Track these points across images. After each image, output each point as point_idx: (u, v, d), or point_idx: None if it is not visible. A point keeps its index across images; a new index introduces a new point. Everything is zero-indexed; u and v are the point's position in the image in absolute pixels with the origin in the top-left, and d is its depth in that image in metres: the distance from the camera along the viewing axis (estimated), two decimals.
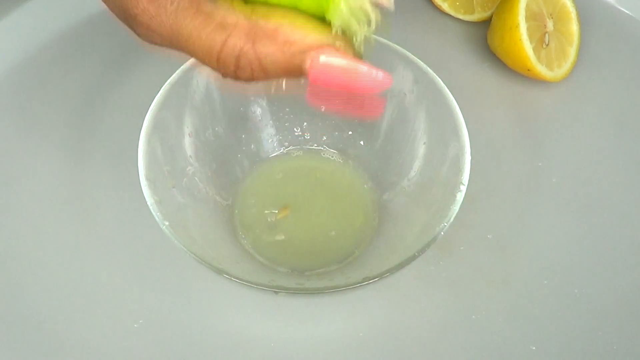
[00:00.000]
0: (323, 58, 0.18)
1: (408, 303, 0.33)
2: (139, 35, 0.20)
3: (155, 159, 0.30)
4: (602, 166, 0.39)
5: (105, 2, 0.20)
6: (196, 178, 0.34)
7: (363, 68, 0.19)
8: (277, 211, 0.36)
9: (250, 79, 0.20)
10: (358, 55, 0.20)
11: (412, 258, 0.28)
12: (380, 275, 0.27)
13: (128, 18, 0.20)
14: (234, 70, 0.19)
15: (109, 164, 0.38)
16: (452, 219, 0.29)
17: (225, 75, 0.20)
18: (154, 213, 0.28)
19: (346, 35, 0.19)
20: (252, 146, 0.37)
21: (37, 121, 0.40)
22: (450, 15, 0.47)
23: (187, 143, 0.34)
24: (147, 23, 0.19)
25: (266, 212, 0.36)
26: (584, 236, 0.36)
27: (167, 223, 0.28)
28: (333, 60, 0.19)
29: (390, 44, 0.34)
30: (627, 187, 0.38)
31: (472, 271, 0.34)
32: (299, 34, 0.19)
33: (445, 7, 0.46)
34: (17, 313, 0.33)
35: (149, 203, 0.29)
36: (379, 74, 0.19)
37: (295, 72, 0.19)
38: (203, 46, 0.19)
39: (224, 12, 0.19)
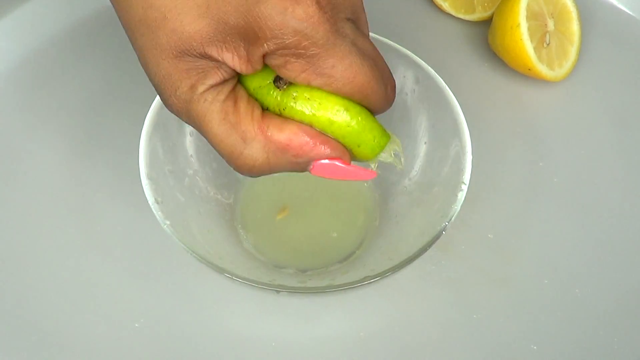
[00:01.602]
0: (321, 164, 0.23)
1: (409, 303, 0.33)
2: (167, 106, 0.23)
3: (156, 159, 0.30)
4: (602, 166, 0.39)
5: (144, 68, 0.22)
6: (197, 177, 0.34)
7: (351, 170, 0.24)
8: (278, 210, 0.36)
9: (259, 175, 0.24)
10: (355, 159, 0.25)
11: (413, 258, 0.28)
12: (381, 275, 0.27)
13: (164, 92, 0.22)
14: (247, 171, 0.23)
15: (109, 163, 0.38)
16: (453, 219, 0.29)
17: (238, 172, 0.23)
18: (155, 212, 0.28)
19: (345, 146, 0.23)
20: None
21: (37, 121, 0.40)
22: (450, 15, 0.47)
23: (188, 142, 0.34)
24: (180, 104, 0.22)
25: (267, 211, 0.36)
26: (585, 236, 0.36)
27: (168, 222, 0.28)
28: (329, 167, 0.23)
29: (392, 43, 0.34)
30: (627, 187, 0.38)
31: (472, 271, 0.34)
32: (306, 148, 0.22)
33: (445, 6, 0.46)
34: (17, 313, 0.33)
35: (150, 202, 0.29)
36: (364, 173, 0.25)
37: (300, 171, 0.24)
38: (226, 149, 0.22)
39: (245, 125, 0.22)
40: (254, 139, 0.22)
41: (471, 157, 0.30)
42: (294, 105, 0.22)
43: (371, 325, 0.33)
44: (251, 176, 0.24)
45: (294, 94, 0.22)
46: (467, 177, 0.30)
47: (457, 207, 0.29)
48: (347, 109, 0.22)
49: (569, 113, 0.42)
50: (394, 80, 0.24)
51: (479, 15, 0.46)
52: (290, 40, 0.20)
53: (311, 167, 0.23)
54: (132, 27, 0.21)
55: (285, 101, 0.22)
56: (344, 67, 0.21)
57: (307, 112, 0.22)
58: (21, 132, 0.39)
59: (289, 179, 0.37)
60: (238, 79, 0.23)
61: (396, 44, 0.34)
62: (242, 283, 0.27)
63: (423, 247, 0.28)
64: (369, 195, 0.36)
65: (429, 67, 0.33)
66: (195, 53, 0.20)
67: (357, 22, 0.23)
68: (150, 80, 0.22)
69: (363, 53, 0.22)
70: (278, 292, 0.28)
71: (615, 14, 0.48)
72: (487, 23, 0.46)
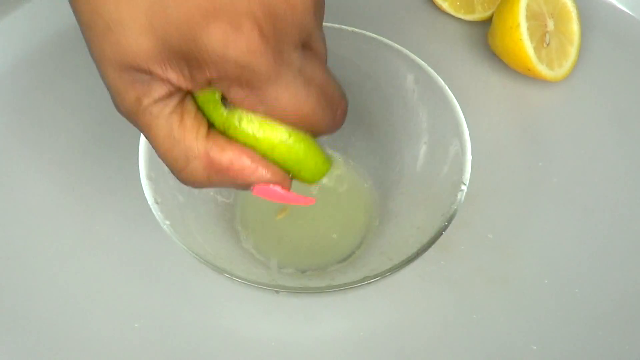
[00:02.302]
0: (261, 187, 0.23)
1: (409, 303, 0.33)
2: (119, 111, 0.23)
3: (156, 158, 0.30)
4: (602, 166, 0.39)
5: (98, 69, 0.22)
6: None
7: (290, 196, 0.24)
8: (278, 210, 0.36)
9: (203, 188, 0.24)
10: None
11: (413, 258, 0.28)
12: (381, 275, 0.27)
13: (114, 98, 0.22)
14: (190, 185, 0.23)
15: (109, 163, 0.38)
16: (453, 219, 0.29)
17: (181, 182, 0.24)
18: (154, 212, 0.28)
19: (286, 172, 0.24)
20: None
21: (36, 121, 0.40)
22: (450, 15, 0.47)
23: None
24: (127, 113, 0.22)
25: (267, 211, 0.36)
26: (585, 236, 0.36)
27: (168, 222, 0.28)
28: (269, 191, 0.24)
29: (391, 43, 0.34)
30: (627, 187, 0.38)
31: (472, 271, 0.34)
32: (246, 172, 0.23)
33: (445, 6, 0.46)
34: (17, 313, 0.33)
35: (149, 202, 0.29)
36: (303, 200, 0.25)
37: (242, 189, 0.24)
38: (169, 161, 0.23)
39: (189, 143, 0.22)
40: (196, 158, 0.22)
41: (471, 157, 0.30)
42: (237, 126, 0.22)
43: (371, 325, 0.33)
44: (195, 188, 0.24)
45: (240, 115, 0.22)
46: (467, 177, 0.30)
47: (457, 207, 0.29)
48: (290, 135, 0.22)
49: (569, 113, 0.42)
50: (346, 104, 0.24)
51: (478, 15, 0.46)
52: (232, 72, 0.20)
53: (251, 189, 0.23)
54: (82, 30, 0.21)
55: (230, 121, 0.22)
56: (288, 98, 0.21)
57: (250, 134, 0.22)
58: (21, 132, 0.39)
59: None
60: (187, 91, 0.22)
61: (396, 44, 0.34)
62: (241, 283, 0.27)
63: (423, 247, 0.28)
64: (369, 195, 0.36)
65: (429, 67, 0.33)
66: (139, 69, 0.20)
67: (309, 42, 0.22)
68: (103, 82, 0.22)
69: (309, 82, 0.21)
70: (278, 292, 0.28)
71: (615, 14, 0.48)
72: (486, 23, 0.46)
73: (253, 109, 0.21)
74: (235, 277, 0.27)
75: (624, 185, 0.38)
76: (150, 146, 0.30)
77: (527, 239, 0.36)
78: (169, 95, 0.21)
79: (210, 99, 0.22)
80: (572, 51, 0.43)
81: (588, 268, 0.35)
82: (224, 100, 0.22)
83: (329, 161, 0.25)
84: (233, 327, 0.32)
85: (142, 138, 0.30)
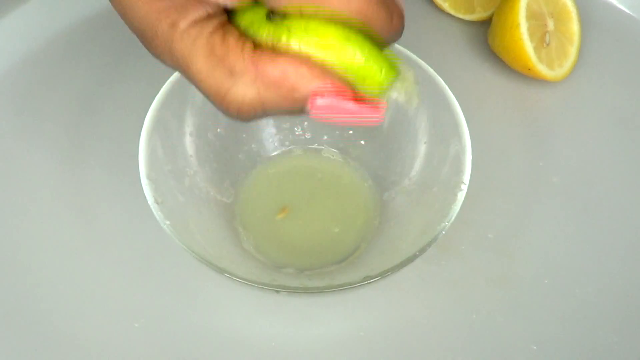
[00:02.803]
0: (321, 101, 0.20)
1: (409, 302, 0.33)
2: (152, 53, 0.21)
3: (156, 159, 0.30)
4: (603, 166, 0.39)
5: (123, 17, 0.21)
6: (197, 177, 0.33)
7: (356, 108, 0.21)
8: (278, 210, 0.36)
9: (252, 119, 0.21)
10: (364, 97, 0.21)
11: (413, 257, 0.28)
12: (381, 275, 0.27)
13: (145, 37, 0.21)
14: (236, 113, 0.21)
15: (109, 163, 0.38)
16: (453, 219, 0.29)
17: (227, 115, 0.21)
18: (155, 212, 0.28)
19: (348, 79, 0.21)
20: (253, 145, 0.37)
21: (36, 121, 0.40)
22: (450, 15, 0.47)
23: (188, 142, 0.34)
24: (162, 46, 0.20)
25: (267, 211, 0.36)
26: (585, 236, 0.36)
27: (168, 222, 0.28)
28: (330, 103, 0.20)
29: None
30: (627, 187, 0.38)
31: (472, 271, 0.34)
32: (303, 81, 0.20)
33: (445, 6, 0.46)
34: (17, 313, 0.33)
35: (149, 202, 0.29)
36: (370, 113, 0.21)
37: (297, 112, 0.21)
38: (211, 86, 0.20)
39: (234, 58, 0.20)
40: (244, 73, 0.20)
41: (471, 157, 0.30)
42: (288, 37, 0.20)
43: (371, 325, 0.33)
44: (241, 119, 0.21)
45: (289, 25, 0.20)
46: (467, 177, 0.30)
47: (457, 207, 0.29)
48: (348, 39, 0.20)
49: (569, 113, 0.42)
50: (402, 8, 0.21)
51: (478, 15, 0.46)
52: None
53: (310, 105, 0.21)
54: None
55: (280, 33, 0.20)
56: None
57: (303, 44, 0.20)
58: (21, 132, 0.39)
59: (289, 179, 0.37)
60: (227, 17, 0.21)
61: (396, 44, 0.34)
62: (242, 283, 0.27)
63: (423, 247, 0.28)
64: (369, 195, 0.36)
65: (429, 67, 0.33)
66: None
67: None
68: (130, 28, 0.21)
69: None
70: (278, 292, 0.28)
71: (615, 14, 0.48)
72: (486, 23, 0.46)
73: (302, 10, 0.20)
74: (236, 276, 0.27)
75: (624, 185, 0.38)
76: (151, 146, 0.30)
77: (527, 239, 0.36)
78: (208, 17, 0.20)
79: (254, 19, 0.21)
80: (572, 51, 0.43)
81: (588, 268, 0.35)
82: (270, 16, 0.20)
83: (396, 67, 0.22)
84: (233, 327, 0.32)
85: (143, 138, 0.30)
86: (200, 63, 0.20)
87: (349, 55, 0.20)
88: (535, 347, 0.32)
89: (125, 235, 0.35)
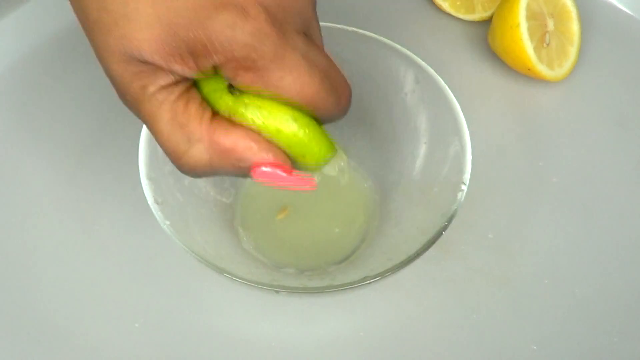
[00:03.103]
0: (263, 170, 0.23)
1: (408, 303, 0.33)
2: (122, 101, 0.23)
3: (156, 159, 0.30)
4: (602, 166, 0.39)
5: (100, 64, 0.22)
6: None
7: (292, 178, 0.24)
8: (277, 211, 0.36)
9: (203, 177, 0.24)
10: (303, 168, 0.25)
11: (413, 258, 0.28)
12: (381, 275, 0.27)
13: (118, 90, 0.22)
14: (189, 172, 0.23)
15: (109, 163, 0.38)
16: (453, 219, 0.29)
17: (181, 171, 0.24)
18: (154, 212, 0.28)
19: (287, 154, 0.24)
20: None
21: (36, 121, 0.40)
22: (450, 15, 0.47)
23: None
24: (132, 102, 0.22)
25: (267, 211, 0.36)
26: (584, 236, 0.36)
27: (168, 222, 0.28)
28: (270, 174, 0.23)
29: (392, 43, 0.34)
30: (627, 187, 0.38)
31: (472, 271, 0.34)
32: (249, 153, 0.23)
33: (445, 6, 0.46)
34: (17, 313, 0.33)
35: (149, 202, 0.29)
36: (304, 183, 0.24)
37: (241, 175, 0.24)
38: (170, 147, 0.23)
39: (193, 126, 0.22)
40: (199, 140, 0.22)
41: (471, 157, 0.30)
42: (244, 111, 0.23)
43: (371, 325, 0.33)
44: (193, 177, 0.24)
45: (246, 101, 0.23)
46: (467, 177, 0.30)
47: (457, 207, 0.29)
48: (295, 120, 0.23)
49: (569, 113, 0.42)
50: (349, 90, 0.24)
51: (478, 15, 0.46)
52: (239, 53, 0.20)
53: (253, 173, 0.23)
54: (87, 27, 0.21)
55: (236, 107, 0.23)
56: (293, 79, 0.22)
57: (257, 120, 0.23)
58: (21, 132, 0.39)
59: None
60: (193, 81, 0.23)
61: (396, 44, 0.34)
62: (241, 283, 0.27)
63: (423, 247, 0.28)
64: (369, 196, 0.36)
65: (429, 67, 0.33)
66: (144, 60, 0.21)
67: (309, 32, 0.23)
68: (106, 75, 0.23)
69: (313, 65, 0.22)
70: (278, 292, 0.28)
71: (615, 14, 0.48)
72: (487, 23, 0.46)
73: (259, 93, 0.22)
74: (236, 277, 0.27)
75: (624, 185, 0.38)
76: (151, 146, 0.30)
77: (527, 239, 0.36)
78: (175, 83, 0.22)
79: (216, 88, 0.23)
80: (572, 51, 0.43)
81: (588, 268, 0.35)
82: (231, 88, 0.23)
83: (333, 147, 0.25)
84: (233, 326, 0.32)
85: (143, 138, 0.30)
86: (163, 125, 0.22)
87: (294, 134, 0.23)
88: (535, 347, 0.32)
89: (125, 236, 0.35)
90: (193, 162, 0.23)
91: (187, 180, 0.33)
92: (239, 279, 0.27)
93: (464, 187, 0.30)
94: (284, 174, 0.24)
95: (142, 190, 0.29)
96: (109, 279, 0.34)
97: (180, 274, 0.34)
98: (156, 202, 0.29)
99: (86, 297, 0.33)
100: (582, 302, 0.34)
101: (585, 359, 0.32)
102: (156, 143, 0.30)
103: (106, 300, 0.33)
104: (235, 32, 0.20)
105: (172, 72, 0.21)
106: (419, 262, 0.28)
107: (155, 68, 0.21)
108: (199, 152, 0.23)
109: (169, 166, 0.31)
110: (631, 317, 0.33)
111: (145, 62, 0.21)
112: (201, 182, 0.34)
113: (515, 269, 0.35)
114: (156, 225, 0.28)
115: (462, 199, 0.29)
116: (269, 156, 0.23)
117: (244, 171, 0.23)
